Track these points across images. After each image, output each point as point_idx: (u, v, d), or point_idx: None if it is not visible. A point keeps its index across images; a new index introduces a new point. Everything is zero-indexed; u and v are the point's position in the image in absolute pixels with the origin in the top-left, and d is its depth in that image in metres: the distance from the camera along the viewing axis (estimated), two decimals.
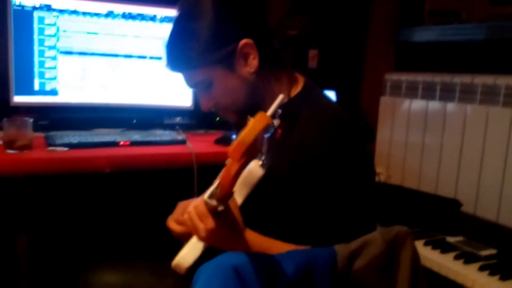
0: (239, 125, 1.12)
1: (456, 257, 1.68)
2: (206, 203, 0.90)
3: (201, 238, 0.96)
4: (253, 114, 0.87)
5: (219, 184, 0.86)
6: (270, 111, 0.89)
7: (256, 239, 0.99)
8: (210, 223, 0.92)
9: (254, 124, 0.83)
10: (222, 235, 0.94)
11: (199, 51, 1.04)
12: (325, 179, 0.98)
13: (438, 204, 1.95)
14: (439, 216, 1.92)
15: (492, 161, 1.86)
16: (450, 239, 1.82)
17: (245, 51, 1.05)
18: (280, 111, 0.90)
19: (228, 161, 0.83)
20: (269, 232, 1.01)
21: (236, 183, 0.85)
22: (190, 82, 1.12)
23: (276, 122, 0.89)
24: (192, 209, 0.95)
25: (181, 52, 1.07)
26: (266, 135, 0.87)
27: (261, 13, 1.14)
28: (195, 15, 1.05)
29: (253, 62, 1.06)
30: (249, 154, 0.82)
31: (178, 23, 1.09)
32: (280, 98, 0.92)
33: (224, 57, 1.04)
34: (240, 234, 0.97)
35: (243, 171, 0.85)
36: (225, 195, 0.86)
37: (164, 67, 1.12)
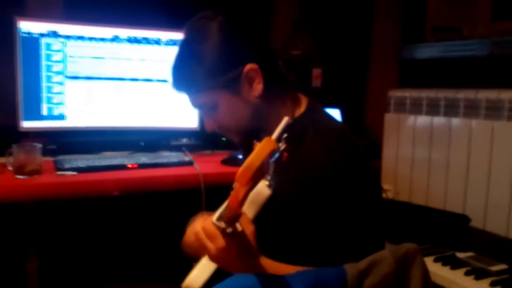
0: (243, 145, 1.14)
1: (467, 273, 1.67)
2: (214, 225, 0.90)
3: (211, 258, 0.96)
4: (257, 136, 0.87)
5: (227, 206, 0.87)
6: (275, 135, 0.90)
7: (271, 265, 0.98)
8: (220, 243, 0.92)
9: (261, 149, 0.84)
10: (233, 256, 0.94)
11: (204, 75, 1.05)
12: (331, 199, 0.98)
13: (446, 220, 1.95)
14: (448, 232, 1.91)
15: (499, 175, 1.86)
16: (460, 255, 1.80)
17: (250, 76, 1.06)
18: (285, 134, 0.91)
19: (236, 185, 0.84)
20: (278, 253, 1.01)
21: (243, 205, 0.86)
22: (195, 104, 1.13)
23: (282, 145, 0.90)
24: (201, 230, 0.95)
25: (186, 75, 1.08)
26: (272, 159, 0.88)
27: (266, 35, 1.15)
28: (201, 39, 1.06)
29: (258, 87, 1.07)
30: (256, 178, 0.83)
31: (184, 46, 1.10)
32: (284, 121, 0.93)
33: (229, 82, 1.05)
34: (254, 259, 0.96)
35: (250, 193, 0.86)
36: (233, 217, 0.87)
37: (170, 87, 1.12)
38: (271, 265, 0.98)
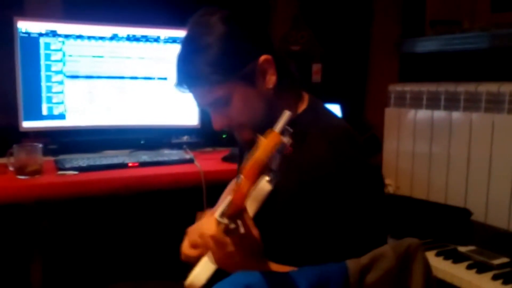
0: (252, 143, 1.12)
1: (469, 267, 1.67)
2: (218, 222, 0.90)
3: (216, 262, 0.95)
4: (264, 131, 0.87)
5: (230, 202, 0.87)
6: (278, 129, 0.90)
7: (276, 268, 0.97)
8: (229, 249, 0.91)
9: (267, 143, 0.84)
10: (238, 260, 0.94)
11: (216, 68, 1.02)
12: (333, 198, 0.98)
13: (448, 213, 1.95)
14: (450, 226, 1.91)
15: (500, 168, 1.85)
16: (462, 249, 1.80)
17: (264, 67, 1.05)
18: (289, 128, 0.91)
19: (240, 180, 0.83)
20: (279, 250, 1.01)
21: (246, 200, 0.86)
22: (205, 100, 1.09)
23: (286, 139, 0.89)
24: (208, 236, 0.94)
25: (197, 71, 1.04)
26: (278, 152, 0.88)
27: (267, 30, 1.15)
28: (208, 33, 1.04)
29: (272, 78, 1.06)
30: (262, 172, 0.83)
31: (190, 41, 1.07)
32: (286, 114, 0.93)
33: (245, 73, 1.04)
34: (258, 263, 0.96)
35: (251, 189, 0.86)
36: (236, 212, 0.87)
37: (176, 87, 1.09)
38: (275, 268, 0.98)
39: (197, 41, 1.05)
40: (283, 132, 0.90)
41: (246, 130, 1.10)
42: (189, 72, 1.06)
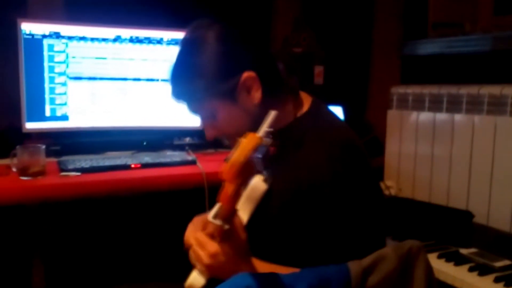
0: None
1: (471, 269, 1.67)
2: (211, 223, 0.91)
3: (205, 268, 0.96)
4: None
5: (219, 206, 0.88)
6: (261, 131, 0.90)
7: (263, 266, 0.98)
8: (212, 248, 0.92)
9: (245, 145, 0.84)
10: (226, 262, 0.94)
11: (202, 85, 1.04)
12: (327, 207, 0.97)
13: (450, 216, 1.95)
14: (452, 228, 1.91)
15: (503, 171, 1.85)
16: (464, 251, 1.81)
17: (247, 84, 1.05)
18: (271, 129, 0.91)
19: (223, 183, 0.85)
20: (273, 255, 1.01)
21: (236, 201, 0.87)
22: (194, 113, 1.13)
23: (267, 140, 0.90)
24: (193, 240, 0.96)
25: (184, 85, 1.08)
26: (258, 154, 0.88)
27: (264, 40, 1.14)
28: (198, 50, 1.05)
29: (256, 94, 1.06)
30: (243, 174, 0.84)
31: (181, 57, 1.09)
32: (271, 116, 0.93)
33: (227, 91, 1.04)
34: (248, 264, 0.97)
35: (242, 189, 0.87)
36: (227, 214, 0.88)
37: (170, 97, 1.12)
38: (265, 268, 0.98)
39: (186, 59, 1.08)
40: (266, 133, 0.90)
41: (235, 140, 1.11)
42: (175, 88, 1.10)
